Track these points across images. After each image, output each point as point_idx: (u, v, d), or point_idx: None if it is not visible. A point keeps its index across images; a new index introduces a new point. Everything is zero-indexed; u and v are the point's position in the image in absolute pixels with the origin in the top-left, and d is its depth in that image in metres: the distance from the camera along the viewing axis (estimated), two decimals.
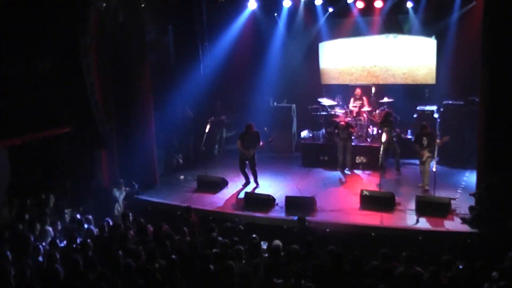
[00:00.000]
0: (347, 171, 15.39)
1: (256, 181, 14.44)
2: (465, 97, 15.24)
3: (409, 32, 16.81)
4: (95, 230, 10.46)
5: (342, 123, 15.37)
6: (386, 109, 15.64)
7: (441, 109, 15.74)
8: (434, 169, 12.80)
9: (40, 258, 9.17)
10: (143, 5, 14.32)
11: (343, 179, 14.94)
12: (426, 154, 13.09)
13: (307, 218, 11.17)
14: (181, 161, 16.86)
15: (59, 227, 10.94)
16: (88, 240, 9.62)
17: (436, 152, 12.84)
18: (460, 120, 14.99)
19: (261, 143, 14.24)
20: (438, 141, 12.96)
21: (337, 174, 15.30)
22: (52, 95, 12.87)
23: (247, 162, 14.33)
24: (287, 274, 7.89)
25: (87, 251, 9.20)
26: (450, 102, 15.60)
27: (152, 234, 10.23)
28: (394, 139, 14.89)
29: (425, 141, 13.11)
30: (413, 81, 16.92)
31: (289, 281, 7.71)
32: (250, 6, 17.54)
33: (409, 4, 16.17)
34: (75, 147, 13.32)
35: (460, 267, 8.41)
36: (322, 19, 17.68)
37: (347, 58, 17.76)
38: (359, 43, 17.49)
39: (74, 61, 12.40)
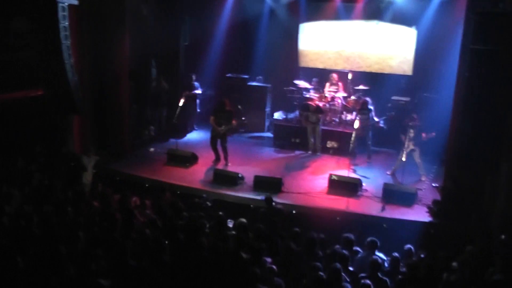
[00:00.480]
0: (317, 154, 15.43)
1: (226, 159, 14.44)
2: (440, 90, 15.39)
3: (390, 20, 16.75)
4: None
5: (313, 104, 15.40)
6: (364, 97, 15.53)
7: (415, 101, 15.89)
8: (403, 159, 12.97)
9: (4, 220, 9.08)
10: None
11: (313, 163, 14.98)
12: (411, 146, 13.25)
13: (274, 198, 11.23)
14: (152, 133, 16.77)
15: (27, 191, 10.82)
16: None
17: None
18: (433, 113, 15.11)
19: (233, 121, 14.23)
20: (424, 135, 13.12)
21: (308, 157, 15.38)
22: (27, 56, 12.68)
23: (218, 139, 14.32)
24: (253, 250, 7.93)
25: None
26: (425, 94, 15.76)
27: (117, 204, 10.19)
28: (369, 128, 14.87)
29: (411, 133, 13.22)
30: (390, 71, 16.97)
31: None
32: None
33: None
34: (48, 110, 13.17)
35: (422, 256, 8.56)
36: (303, 5, 17.60)
37: (326, 42, 17.71)
38: (339, 27, 17.44)
39: (51, 22, 12.19)
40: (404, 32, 16.53)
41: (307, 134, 15.58)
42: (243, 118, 14.98)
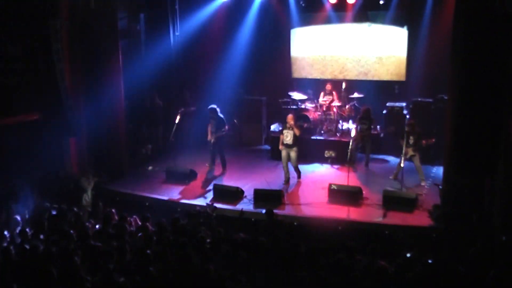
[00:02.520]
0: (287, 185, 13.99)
1: (224, 167, 14.87)
2: (434, 95, 15.48)
3: (382, 21, 16.71)
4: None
5: (290, 116, 13.92)
6: (366, 105, 15.45)
7: (410, 106, 15.94)
8: (402, 165, 12.98)
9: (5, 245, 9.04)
10: None
11: (312, 173, 14.95)
12: (410, 152, 13.34)
13: (275, 211, 11.19)
14: (149, 152, 16.74)
15: (27, 216, 10.79)
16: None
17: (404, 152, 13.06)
18: (428, 117, 15.20)
19: (226, 127, 14.57)
20: (424, 141, 13.19)
21: (306, 167, 15.28)
22: (21, 80, 12.69)
23: (215, 146, 14.59)
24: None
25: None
26: (419, 99, 15.81)
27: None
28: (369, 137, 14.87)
29: (411, 139, 13.30)
30: (384, 77, 17.01)
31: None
32: None
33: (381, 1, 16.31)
34: (44, 134, 13.16)
35: (430, 261, 8.54)
36: (294, 12, 17.66)
37: (318, 48, 17.75)
38: (331, 32, 17.50)
39: (45, 45, 12.23)
40: (396, 34, 16.57)
41: (308, 146, 15.10)
42: (235, 120, 14.90)
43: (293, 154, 13.81)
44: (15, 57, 12.67)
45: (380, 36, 16.81)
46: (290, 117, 13.88)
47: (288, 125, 13.73)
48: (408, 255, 8.64)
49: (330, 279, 7.43)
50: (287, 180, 13.99)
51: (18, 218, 10.28)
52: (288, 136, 13.75)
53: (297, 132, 13.66)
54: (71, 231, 9.29)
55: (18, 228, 9.73)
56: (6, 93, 12.42)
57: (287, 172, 14.06)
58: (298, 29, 18.04)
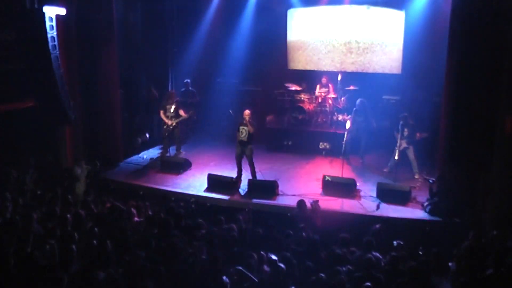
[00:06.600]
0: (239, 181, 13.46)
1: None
2: (430, 88, 15.49)
3: (381, 3, 16.56)
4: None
5: (246, 112, 13.25)
6: (360, 98, 15.46)
7: (405, 99, 15.96)
8: (396, 157, 13.02)
9: None
10: None
11: (307, 165, 14.98)
12: (404, 144, 13.37)
13: (269, 201, 11.18)
14: (144, 140, 16.71)
15: (21, 203, 10.75)
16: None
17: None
18: (423, 110, 15.21)
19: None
20: (418, 134, 13.24)
21: (301, 159, 15.36)
22: (16, 67, 12.62)
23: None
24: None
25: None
26: (414, 92, 15.83)
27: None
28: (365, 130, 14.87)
29: (406, 132, 13.34)
30: (379, 70, 16.97)
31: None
32: None
33: None
34: (39, 122, 13.12)
35: (420, 253, 8.59)
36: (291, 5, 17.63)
37: (314, 35, 17.51)
38: (327, 18, 17.18)
39: (40, 33, 12.16)
40: (393, 23, 16.41)
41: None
42: (230, 111, 14.65)
43: (248, 152, 13.28)
44: (10, 44, 12.59)
45: (377, 25, 16.59)
46: (246, 112, 13.19)
47: (244, 121, 13.19)
48: (395, 243, 8.70)
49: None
50: (239, 176, 13.49)
51: (10, 205, 10.24)
52: (243, 133, 13.18)
53: (251, 129, 13.06)
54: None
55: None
56: (1, 79, 12.36)
57: (240, 170, 13.57)
58: (295, 10, 17.72)
